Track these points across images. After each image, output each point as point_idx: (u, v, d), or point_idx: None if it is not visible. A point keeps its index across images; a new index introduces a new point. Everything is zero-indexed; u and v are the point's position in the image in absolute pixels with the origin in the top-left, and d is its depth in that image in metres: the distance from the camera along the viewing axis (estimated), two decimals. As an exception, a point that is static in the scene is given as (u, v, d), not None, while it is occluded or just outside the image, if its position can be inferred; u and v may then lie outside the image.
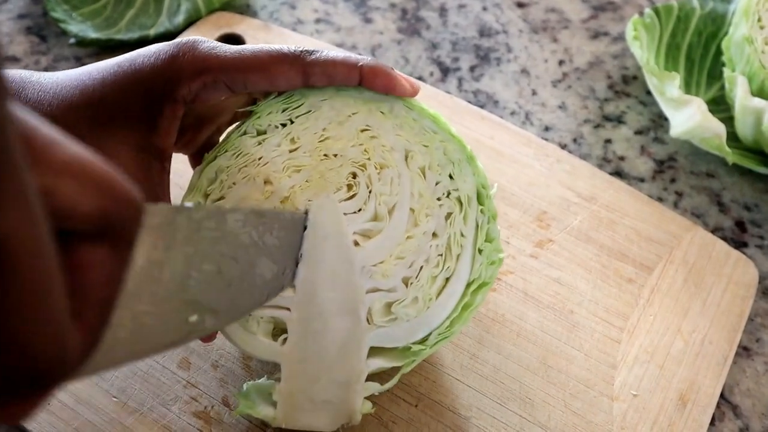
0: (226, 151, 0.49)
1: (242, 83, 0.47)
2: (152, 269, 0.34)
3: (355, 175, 0.49)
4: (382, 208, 0.49)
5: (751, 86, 0.69)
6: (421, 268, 0.49)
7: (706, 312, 0.61)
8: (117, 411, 0.54)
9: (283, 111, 0.49)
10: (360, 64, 0.47)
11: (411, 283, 0.49)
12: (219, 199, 0.49)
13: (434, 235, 0.49)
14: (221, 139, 0.51)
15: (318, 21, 0.84)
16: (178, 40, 0.47)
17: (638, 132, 0.76)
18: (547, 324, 0.59)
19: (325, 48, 0.48)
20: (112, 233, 0.28)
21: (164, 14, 0.82)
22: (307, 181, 0.49)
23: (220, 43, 0.47)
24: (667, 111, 0.73)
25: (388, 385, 0.51)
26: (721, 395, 0.59)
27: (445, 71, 0.80)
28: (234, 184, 0.49)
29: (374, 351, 0.50)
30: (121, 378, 0.55)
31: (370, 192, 0.49)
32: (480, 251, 0.49)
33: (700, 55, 0.78)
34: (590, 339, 0.59)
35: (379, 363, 0.50)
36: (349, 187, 0.49)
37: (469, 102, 0.76)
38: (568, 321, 0.60)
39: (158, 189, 0.46)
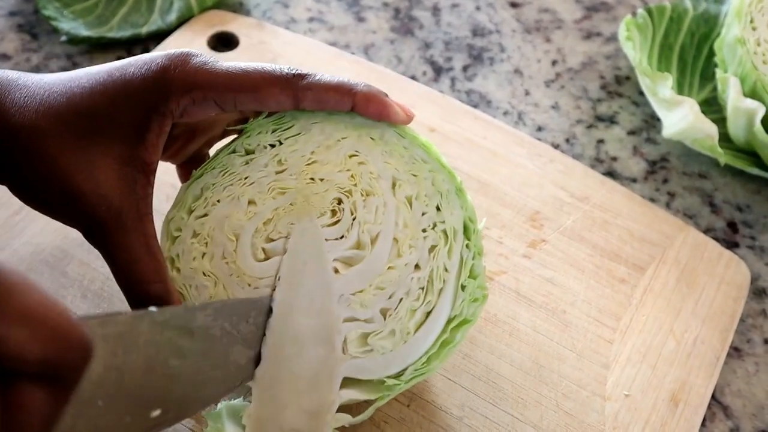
0: (213, 168, 0.49)
1: (232, 102, 0.46)
2: (110, 374, 0.34)
3: (340, 201, 0.48)
4: (365, 236, 0.48)
5: (744, 87, 0.69)
6: (401, 300, 0.48)
7: (698, 312, 0.61)
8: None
9: (273, 131, 0.49)
10: (353, 91, 0.46)
11: (389, 315, 0.48)
12: (202, 216, 0.48)
13: (417, 267, 0.48)
14: (211, 155, 0.50)
15: (311, 20, 0.84)
16: (170, 51, 0.46)
17: (631, 132, 0.76)
18: (540, 324, 0.59)
19: (319, 71, 0.47)
20: (54, 377, 0.29)
21: (156, 12, 0.82)
22: (291, 204, 0.48)
23: (212, 59, 0.46)
24: (660, 112, 0.73)
25: (360, 418, 0.49)
26: (712, 396, 0.59)
27: (438, 71, 0.80)
28: (218, 201, 0.48)
29: (348, 382, 0.49)
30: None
31: (354, 219, 0.48)
32: (463, 287, 0.48)
33: (693, 56, 0.78)
34: (583, 339, 0.59)
35: (352, 394, 0.48)
36: (333, 212, 0.48)
37: (462, 102, 0.76)
38: (560, 321, 0.60)
39: (141, 203, 0.46)
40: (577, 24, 0.85)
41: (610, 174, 0.72)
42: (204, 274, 0.48)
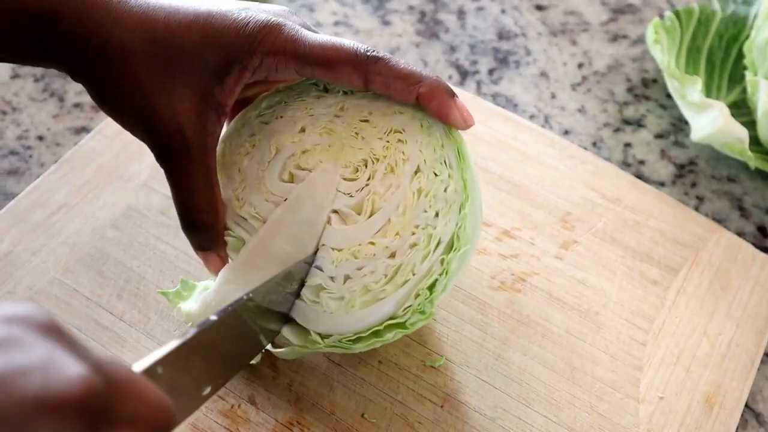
0: (292, 89, 0.54)
1: (310, 73, 0.49)
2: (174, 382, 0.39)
3: (366, 163, 0.51)
4: (368, 204, 0.50)
5: (774, 89, 0.69)
6: (364, 276, 0.49)
7: (732, 314, 0.61)
8: (143, 409, 0.53)
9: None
10: (420, 83, 0.48)
11: (347, 282, 0.50)
12: (264, 123, 0.53)
13: (392, 255, 0.49)
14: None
15: (337, 23, 0.85)
16: (267, 17, 0.49)
17: (658, 136, 0.76)
18: (573, 325, 0.59)
19: (394, 56, 0.50)
20: None
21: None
22: (329, 145, 0.51)
23: (301, 29, 0.49)
24: (688, 115, 0.73)
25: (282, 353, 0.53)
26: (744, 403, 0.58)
27: (464, 74, 0.81)
28: (281, 117, 0.53)
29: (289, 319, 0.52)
30: (148, 376, 0.55)
31: (367, 185, 0.50)
32: (417, 295, 0.49)
33: (721, 59, 0.78)
34: (616, 341, 0.59)
35: (285, 331, 0.52)
36: (356, 169, 0.51)
37: (490, 104, 0.76)
38: (593, 322, 0.60)
39: (209, 138, 0.49)
40: (603, 26, 0.85)
41: (638, 178, 0.72)
42: (239, 170, 0.53)
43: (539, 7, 0.87)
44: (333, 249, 0.50)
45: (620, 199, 0.67)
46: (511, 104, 0.78)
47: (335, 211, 0.51)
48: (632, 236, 0.65)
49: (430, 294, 0.49)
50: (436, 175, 0.49)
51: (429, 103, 0.48)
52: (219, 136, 0.51)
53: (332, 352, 0.52)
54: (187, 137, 0.48)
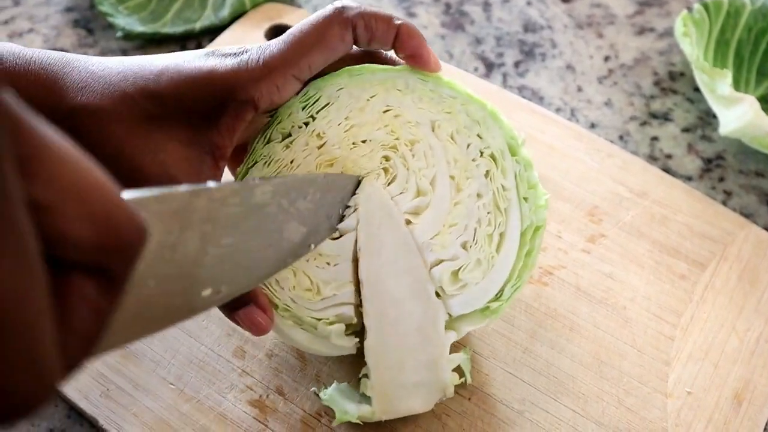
0: (256, 162, 0.49)
1: (307, 67, 0.47)
2: (163, 253, 0.32)
3: (388, 158, 0.49)
4: (423, 182, 0.49)
5: (806, 83, 0.68)
6: (476, 230, 0.50)
7: (761, 310, 0.60)
8: (174, 398, 0.54)
9: (303, 109, 0.49)
10: (398, 22, 0.48)
11: (470, 247, 0.50)
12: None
13: (479, 195, 0.50)
14: (248, 151, 0.50)
15: (362, 15, 0.84)
16: (233, 53, 0.46)
17: (685, 130, 0.75)
18: (600, 319, 0.59)
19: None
20: (106, 269, 0.26)
21: (209, 8, 0.82)
22: (342, 172, 0.49)
23: (266, 44, 0.47)
24: (717, 108, 0.72)
25: (466, 355, 0.53)
26: (776, 394, 0.58)
27: (490, 66, 0.80)
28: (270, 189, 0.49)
29: (457, 319, 0.51)
30: (178, 366, 0.55)
31: (408, 170, 0.49)
32: (525, 199, 0.50)
33: (750, 52, 0.77)
34: (643, 335, 0.58)
35: (464, 329, 0.51)
36: (386, 171, 0.49)
37: (516, 97, 0.76)
38: (620, 317, 0.59)
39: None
40: (630, 19, 0.85)
41: (665, 172, 0.71)
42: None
43: (565, 0, 0.87)
44: (433, 239, 0.49)
45: (647, 193, 0.66)
46: (537, 97, 0.77)
47: (406, 215, 0.50)
48: (660, 230, 0.64)
49: (534, 189, 0.49)
50: (449, 113, 0.49)
51: (409, 41, 0.48)
52: (220, 179, 0.47)
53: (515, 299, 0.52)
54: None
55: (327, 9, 0.47)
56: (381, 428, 0.53)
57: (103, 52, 0.80)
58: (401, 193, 0.49)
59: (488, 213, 0.49)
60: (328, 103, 0.49)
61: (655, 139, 0.74)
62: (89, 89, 0.44)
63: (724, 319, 0.60)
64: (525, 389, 0.55)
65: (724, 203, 0.69)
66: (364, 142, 0.49)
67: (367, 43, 0.48)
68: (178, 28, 0.81)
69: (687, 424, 0.54)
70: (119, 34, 0.80)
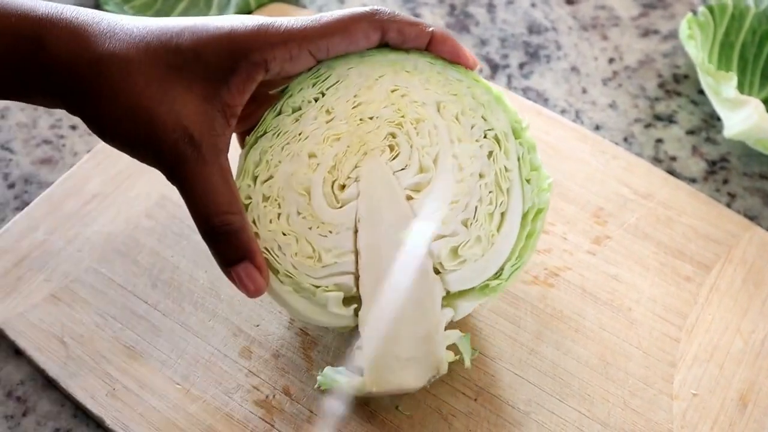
0: (265, 132, 0.51)
1: (325, 49, 0.48)
2: None
3: (394, 135, 0.51)
4: (426, 159, 0.50)
5: (810, 86, 0.68)
6: (476, 208, 0.50)
7: (765, 312, 0.61)
8: (180, 398, 0.54)
9: (314, 85, 0.51)
10: (431, 28, 0.50)
11: (470, 224, 0.50)
12: (268, 179, 0.50)
13: (481, 175, 0.51)
14: (257, 122, 0.52)
15: (366, 16, 0.84)
16: (259, 18, 0.48)
17: (690, 132, 0.75)
18: (605, 321, 0.59)
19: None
20: None
21: (215, 8, 0.82)
22: (348, 146, 0.50)
23: (297, 17, 0.49)
24: (722, 111, 0.73)
25: (463, 335, 0.52)
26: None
27: (495, 68, 0.80)
28: (279, 162, 0.50)
29: (456, 295, 0.51)
30: (184, 366, 0.56)
31: (411, 147, 0.50)
32: (528, 181, 0.51)
33: (754, 54, 0.77)
34: (649, 337, 0.59)
35: (462, 305, 0.52)
36: (391, 147, 0.51)
37: (520, 98, 0.76)
38: (626, 318, 0.59)
39: (219, 140, 0.47)
40: (634, 21, 0.85)
41: (669, 174, 0.71)
42: (284, 233, 0.50)
43: (569, 2, 0.87)
44: (433, 214, 0.50)
45: (652, 195, 0.67)
46: (541, 99, 0.77)
47: (407, 191, 0.51)
48: (664, 232, 0.64)
49: (537, 171, 0.51)
50: (455, 95, 0.51)
51: (443, 45, 0.50)
52: (230, 138, 0.49)
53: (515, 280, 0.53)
54: (194, 138, 0.46)
55: (362, 8, 0.49)
56: (385, 427, 0.53)
57: (108, 52, 0.80)
58: (403, 168, 0.51)
59: (490, 192, 0.50)
60: (337, 81, 0.50)
61: (659, 141, 0.75)
62: (116, 39, 0.46)
63: (729, 320, 0.60)
64: (531, 390, 0.55)
65: (729, 205, 0.70)
66: (371, 118, 0.51)
67: (399, 45, 0.51)
68: (183, 28, 0.81)
69: (692, 426, 0.55)
70: (124, 33, 0.80)
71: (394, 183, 0.50)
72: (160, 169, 0.48)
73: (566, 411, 0.55)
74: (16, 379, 0.57)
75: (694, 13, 0.77)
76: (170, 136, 0.46)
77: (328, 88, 0.50)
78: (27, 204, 0.65)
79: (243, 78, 0.47)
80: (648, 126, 0.76)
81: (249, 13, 0.81)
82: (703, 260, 0.63)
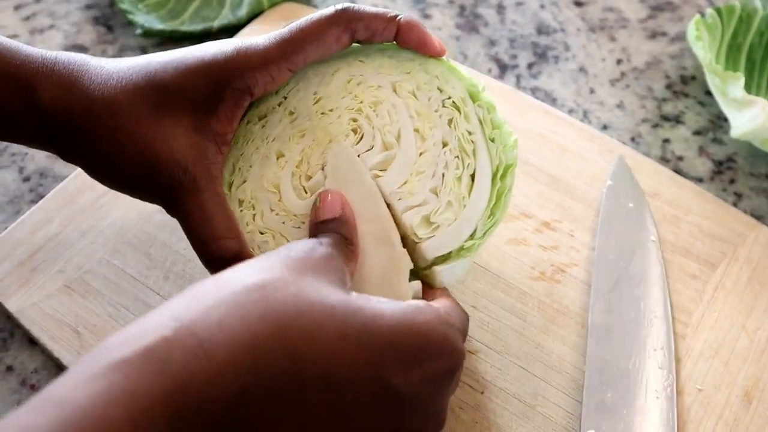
0: (235, 143, 0.53)
1: (302, 60, 0.50)
2: None
3: (355, 120, 0.52)
4: (388, 137, 0.52)
5: (817, 87, 0.68)
6: (444, 174, 0.51)
7: (771, 310, 0.61)
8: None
9: (277, 93, 0.53)
10: (397, 18, 0.51)
11: (440, 191, 0.51)
12: (242, 184, 0.52)
13: (444, 143, 0.52)
14: None
15: (377, 16, 0.85)
16: (235, 42, 0.50)
17: (697, 132, 0.76)
18: (611, 317, 0.60)
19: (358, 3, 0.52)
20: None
21: (227, 6, 0.84)
22: (313, 140, 0.52)
23: (267, 35, 0.50)
24: (729, 112, 0.73)
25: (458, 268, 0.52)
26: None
27: (504, 68, 0.81)
28: (251, 166, 0.52)
29: (435, 261, 0.52)
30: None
31: (373, 128, 0.52)
32: (492, 140, 0.52)
33: (762, 56, 0.77)
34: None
35: (442, 271, 0.52)
36: (354, 131, 0.52)
37: (529, 98, 0.76)
38: (632, 314, 0.60)
39: (212, 168, 0.49)
40: (642, 23, 0.86)
41: (676, 173, 0.72)
42: (260, 232, 0.52)
43: (578, 3, 0.88)
44: (401, 187, 0.51)
45: (659, 194, 0.67)
46: (550, 98, 0.78)
47: (374, 171, 0.52)
48: (671, 231, 0.65)
49: (500, 129, 0.52)
50: (408, 72, 0.53)
51: (409, 35, 0.51)
52: (222, 165, 0.51)
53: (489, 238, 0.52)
54: (188, 169, 0.48)
55: (329, 9, 0.50)
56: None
57: (123, 49, 0.81)
58: (368, 150, 0.52)
59: (456, 157, 0.52)
60: (297, 84, 0.53)
61: (666, 141, 0.75)
62: (105, 85, 0.49)
63: (735, 318, 0.60)
64: (537, 384, 0.56)
65: (735, 205, 0.70)
66: (331, 110, 0.53)
67: (369, 40, 0.52)
68: (197, 27, 0.82)
69: (697, 421, 0.55)
70: (138, 31, 0.81)
71: (358, 163, 0.51)
72: (159, 204, 0.50)
73: (573, 405, 0.55)
74: (30, 367, 0.58)
75: (702, 15, 0.78)
76: (165, 170, 0.48)
77: (289, 92, 0.53)
78: (42, 197, 0.66)
79: (231, 106, 0.49)
80: (655, 126, 0.76)
81: (261, 12, 0.82)
82: (709, 258, 0.64)
